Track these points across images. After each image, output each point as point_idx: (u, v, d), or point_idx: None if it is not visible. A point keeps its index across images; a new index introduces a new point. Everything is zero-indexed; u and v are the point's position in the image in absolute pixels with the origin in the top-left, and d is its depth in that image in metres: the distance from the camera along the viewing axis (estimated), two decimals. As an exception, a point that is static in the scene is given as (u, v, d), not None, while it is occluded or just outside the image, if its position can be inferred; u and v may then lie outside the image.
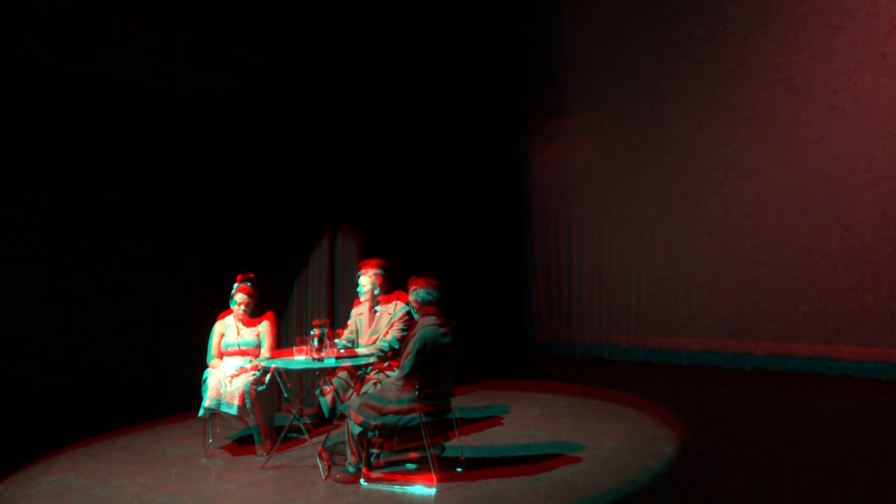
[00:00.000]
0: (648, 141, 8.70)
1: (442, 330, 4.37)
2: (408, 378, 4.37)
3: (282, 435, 5.18)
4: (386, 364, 5.17)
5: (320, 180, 7.14)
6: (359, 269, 5.65)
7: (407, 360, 4.37)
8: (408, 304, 4.90)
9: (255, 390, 5.14)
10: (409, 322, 5.19)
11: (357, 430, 4.47)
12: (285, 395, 5.49)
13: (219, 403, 5.11)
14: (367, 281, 5.48)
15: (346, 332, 5.53)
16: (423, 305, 4.55)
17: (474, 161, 9.06)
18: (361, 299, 5.56)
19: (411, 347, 4.36)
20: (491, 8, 9.43)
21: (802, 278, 7.54)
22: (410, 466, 4.77)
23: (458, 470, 4.68)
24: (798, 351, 7.55)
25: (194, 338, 5.95)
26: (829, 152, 7.41)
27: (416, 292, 4.59)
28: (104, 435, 5.80)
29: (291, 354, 4.97)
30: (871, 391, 6.68)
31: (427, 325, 4.38)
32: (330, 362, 4.80)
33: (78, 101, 6.96)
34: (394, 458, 4.88)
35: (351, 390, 5.24)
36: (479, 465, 4.76)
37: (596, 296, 9.15)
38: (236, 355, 5.34)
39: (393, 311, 5.36)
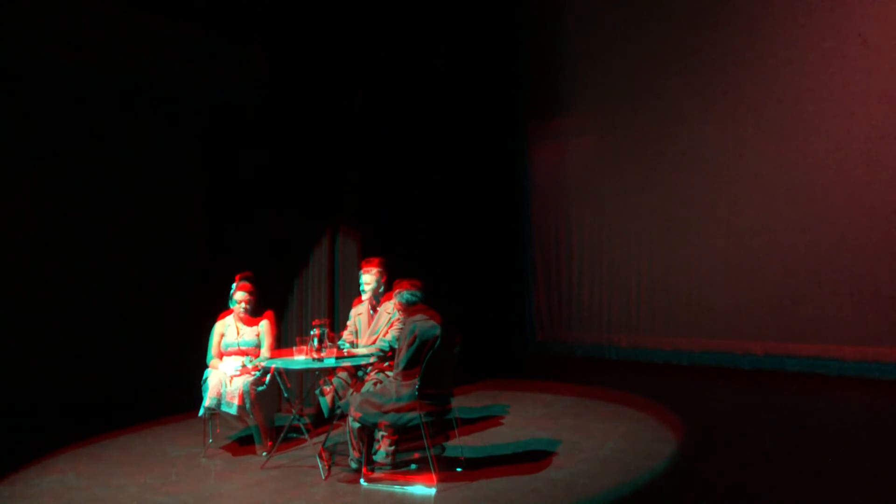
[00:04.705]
0: (649, 141, 8.69)
1: (430, 322, 4.45)
2: (405, 371, 4.41)
3: (282, 435, 5.18)
4: (386, 364, 5.17)
5: (320, 180, 7.14)
6: (360, 268, 5.65)
7: (402, 354, 4.45)
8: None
9: (255, 390, 5.15)
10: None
11: (356, 425, 4.52)
12: (285, 395, 5.49)
13: (219, 403, 5.11)
14: (370, 279, 5.48)
15: (345, 333, 5.53)
16: (410, 306, 4.69)
17: (474, 161, 9.05)
18: (364, 297, 5.55)
19: (404, 341, 4.47)
20: (491, 8, 9.42)
21: (802, 278, 7.54)
22: (412, 466, 4.78)
23: (458, 470, 4.68)
24: (798, 351, 7.54)
25: (194, 338, 5.95)
26: (831, 153, 7.40)
27: (401, 294, 4.74)
28: (104, 435, 5.80)
29: (291, 354, 4.98)
30: (871, 391, 6.68)
31: (416, 320, 4.50)
32: (330, 362, 4.81)
33: (77, 101, 6.95)
34: (396, 459, 4.88)
35: (350, 390, 5.24)
36: (479, 465, 4.76)
37: (596, 296, 9.15)
38: (236, 355, 5.34)
39: (392, 310, 5.36)
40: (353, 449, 4.70)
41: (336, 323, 6.73)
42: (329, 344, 4.89)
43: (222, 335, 5.41)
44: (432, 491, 4.29)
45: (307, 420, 5.43)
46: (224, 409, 5.11)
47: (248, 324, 5.45)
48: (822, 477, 4.40)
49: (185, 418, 6.16)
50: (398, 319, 5.28)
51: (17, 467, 5.00)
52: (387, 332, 5.29)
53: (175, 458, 5.19)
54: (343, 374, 5.34)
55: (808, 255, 7.51)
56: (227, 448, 5.43)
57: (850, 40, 7.28)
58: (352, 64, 7.43)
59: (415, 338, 4.40)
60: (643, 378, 7.80)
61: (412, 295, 4.70)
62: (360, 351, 5.25)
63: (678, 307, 8.43)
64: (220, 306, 5.53)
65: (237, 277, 5.49)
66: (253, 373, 5.22)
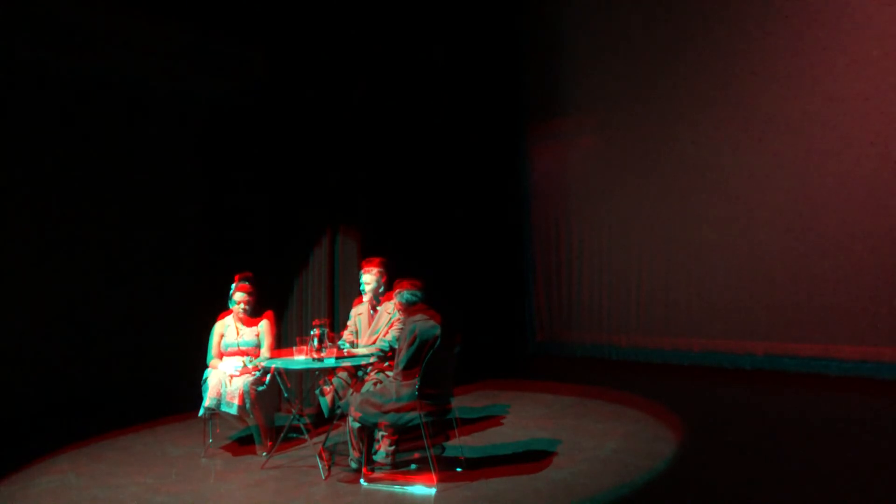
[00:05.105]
0: (648, 141, 8.69)
1: (430, 322, 4.46)
2: (405, 371, 4.42)
3: (282, 435, 5.18)
4: (386, 364, 5.17)
5: (320, 180, 7.14)
6: (360, 267, 5.65)
7: (402, 354, 4.46)
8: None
9: (255, 390, 5.15)
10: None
11: (356, 425, 4.53)
12: (285, 395, 5.49)
13: (219, 403, 5.11)
14: (370, 278, 5.48)
15: (346, 333, 5.53)
16: (410, 306, 4.70)
17: (474, 161, 9.05)
18: (364, 297, 5.55)
19: (404, 341, 4.47)
20: (491, 9, 9.42)
21: (803, 278, 7.53)
22: (412, 466, 4.78)
23: (458, 470, 4.68)
24: (798, 351, 7.54)
25: (194, 338, 5.95)
26: (831, 153, 7.40)
27: (402, 294, 4.75)
28: (104, 435, 5.81)
29: (291, 354, 4.98)
30: (871, 391, 6.67)
31: (416, 320, 4.50)
32: (330, 362, 4.81)
33: (77, 101, 6.95)
34: (397, 459, 4.88)
35: (350, 390, 5.24)
36: (479, 465, 4.76)
37: (596, 296, 9.14)
38: (236, 355, 5.34)
39: (392, 310, 5.36)
40: (353, 449, 4.71)
41: (336, 323, 6.73)
42: (329, 344, 4.89)
43: (222, 335, 5.41)
44: (432, 491, 4.29)
45: (307, 420, 5.44)
46: (224, 409, 5.11)
47: (248, 324, 5.46)
48: (823, 477, 4.39)
49: (185, 418, 6.16)
50: (398, 319, 5.29)
51: (17, 467, 5.00)
52: (387, 332, 5.29)
53: (175, 458, 5.19)
54: (343, 374, 5.34)
55: (808, 254, 7.51)
56: (227, 448, 5.44)
57: (851, 40, 7.28)
58: (352, 64, 7.43)
59: (415, 338, 4.41)
60: (643, 378, 7.79)
61: (412, 295, 4.71)
62: (360, 351, 5.25)
63: (678, 307, 8.42)
64: (220, 306, 5.53)
65: (236, 278, 5.49)
66: (253, 373, 5.23)
